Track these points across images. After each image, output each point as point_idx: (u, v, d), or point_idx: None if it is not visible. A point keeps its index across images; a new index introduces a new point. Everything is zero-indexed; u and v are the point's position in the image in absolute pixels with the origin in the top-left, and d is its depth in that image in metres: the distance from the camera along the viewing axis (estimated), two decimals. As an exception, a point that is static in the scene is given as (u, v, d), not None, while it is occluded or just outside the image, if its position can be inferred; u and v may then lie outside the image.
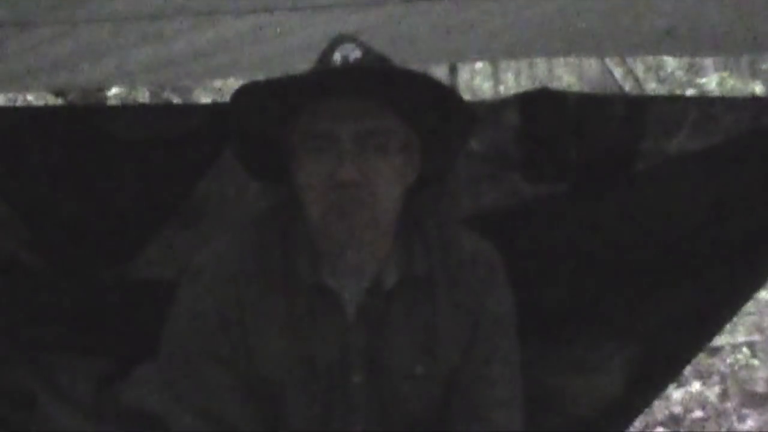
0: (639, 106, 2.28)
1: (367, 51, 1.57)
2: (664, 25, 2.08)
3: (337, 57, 1.55)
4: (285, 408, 1.62)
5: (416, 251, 1.64)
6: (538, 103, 2.23)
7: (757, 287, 2.43)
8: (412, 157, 1.60)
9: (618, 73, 6.81)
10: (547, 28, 2.11)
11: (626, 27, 2.11)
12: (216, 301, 1.59)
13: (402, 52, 2.17)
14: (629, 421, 2.50)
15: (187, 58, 2.18)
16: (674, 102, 2.38)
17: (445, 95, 1.58)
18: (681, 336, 2.36)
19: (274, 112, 1.56)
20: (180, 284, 1.65)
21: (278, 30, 2.04)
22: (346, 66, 1.54)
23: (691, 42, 2.20)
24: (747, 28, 2.09)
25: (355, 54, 1.55)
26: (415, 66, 1.97)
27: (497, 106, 2.26)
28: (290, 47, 2.14)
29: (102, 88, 4.60)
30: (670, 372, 2.50)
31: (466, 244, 1.69)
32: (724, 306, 2.38)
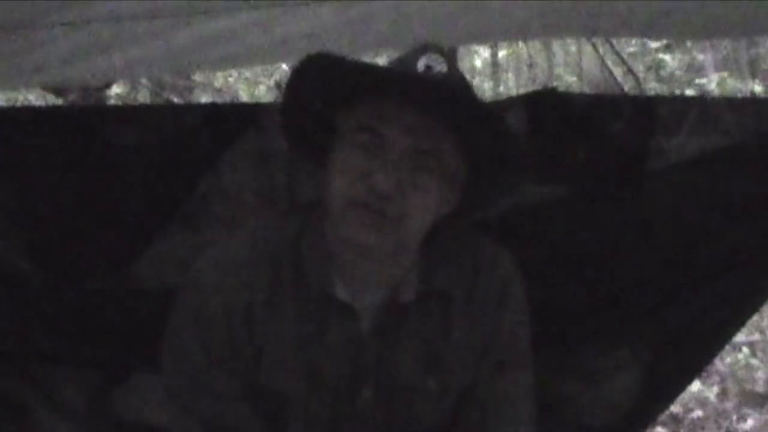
0: (646, 106, 2.26)
1: (451, 66, 1.49)
2: (660, 7, 2.06)
3: (421, 64, 1.47)
4: (291, 420, 1.57)
5: (436, 265, 1.58)
6: (544, 104, 2.20)
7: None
8: (455, 190, 1.52)
9: (618, 72, 6.81)
10: (542, 9, 2.09)
11: (624, 10, 2.09)
12: (223, 308, 1.52)
13: (397, 37, 2.16)
14: (640, 429, 2.47)
15: (184, 53, 2.17)
16: (675, 102, 2.37)
17: (508, 138, 1.51)
18: (693, 343, 2.33)
19: (339, 91, 1.47)
20: (183, 287, 1.58)
21: (271, 24, 2.02)
22: (432, 76, 1.46)
23: (686, 24, 2.18)
24: (745, 10, 2.08)
25: (441, 67, 1.47)
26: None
27: (503, 107, 2.22)
28: (283, 41, 2.13)
29: (102, 88, 4.61)
30: (682, 379, 2.45)
31: (483, 255, 1.63)
32: (737, 312, 2.34)
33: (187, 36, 2.06)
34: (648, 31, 2.61)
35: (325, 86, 1.48)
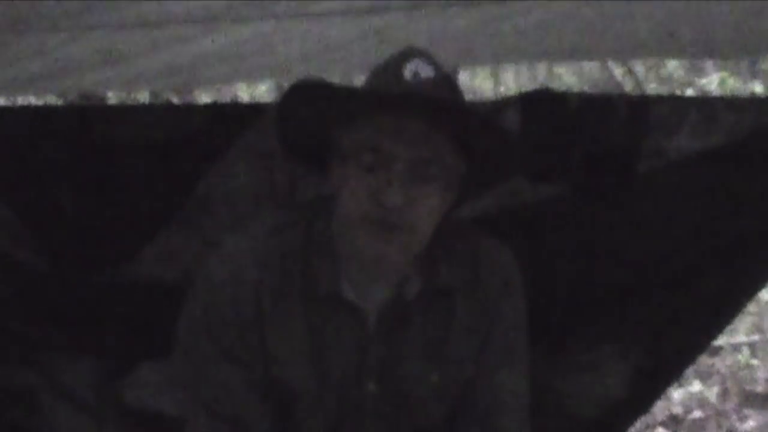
0: (640, 106, 2.28)
1: (437, 68, 1.53)
2: (666, 28, 2.08)
3: (408, 72, 1.50)
4: (297, 413, 1.61)
5: (438, 261, 1.62)
6: (540, 103, 2.23)
7: (758, 288, 2.43)
8: (455, 189, 1.56)
9: (618, 73, 6.80)
10: (549, 32, 2.11)
11: (629, 30, 2.11)
12: (233, 303, 1.57)
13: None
14: (631, 423, 2.50)
15: (189, 65, 2.17)
16: (675, 102, 2.38)
17: (501, 136, 1.56)
18: (683, 337, 2.36)
19: (331, 116, 1.51)
20: (194, 281, 1.62)
21: (280, 37, 2.03)
22: (419, 84, 1.49)
23: (693, 44, 2.21)
24: (749, 30, 2.10)
25: (427, 72, 1.51)
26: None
27: (498, 107, 2.25)
28: (291, 54, 2.14)
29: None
30: (672, 373, 2.50)
31: (484, 251, 1.67)
32: (726, 307, 2.37)
33: (188, 52, 2.07)
34: (654, 51, 2.64)
35: (315, 113, 1.51)
